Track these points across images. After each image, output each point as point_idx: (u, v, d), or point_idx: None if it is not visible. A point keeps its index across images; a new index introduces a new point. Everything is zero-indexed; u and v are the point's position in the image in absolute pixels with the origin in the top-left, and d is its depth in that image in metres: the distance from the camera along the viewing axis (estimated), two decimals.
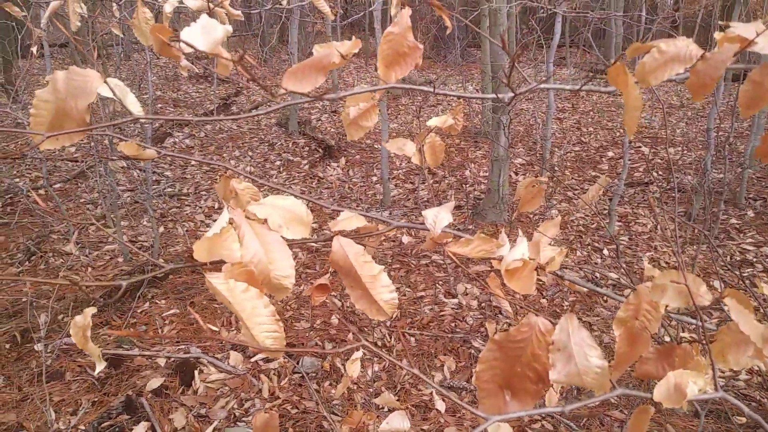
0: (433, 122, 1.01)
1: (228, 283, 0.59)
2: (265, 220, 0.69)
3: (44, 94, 0.58)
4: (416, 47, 0.68)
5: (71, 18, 1.62)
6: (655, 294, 0.60)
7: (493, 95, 0.65)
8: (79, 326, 0.62)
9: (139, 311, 3.71)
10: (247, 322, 0.59)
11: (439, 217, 0.77)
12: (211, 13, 1.51)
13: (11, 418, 2.86)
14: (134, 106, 0.90)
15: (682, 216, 5.37)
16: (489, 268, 1.04)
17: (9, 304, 3.64)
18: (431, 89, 0.72)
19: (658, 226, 5.25)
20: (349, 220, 0.75)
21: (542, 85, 0.70)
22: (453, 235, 0.79)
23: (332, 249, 0.71)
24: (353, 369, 1.23)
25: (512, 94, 0.66)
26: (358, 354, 1.24)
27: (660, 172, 6.40)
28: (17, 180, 5.86)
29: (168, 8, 1.39)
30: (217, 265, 0.64)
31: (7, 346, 3.35)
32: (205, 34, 0.67)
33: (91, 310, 0.63)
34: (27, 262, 4.31)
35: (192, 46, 0.66)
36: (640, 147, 7.19)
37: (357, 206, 5.64)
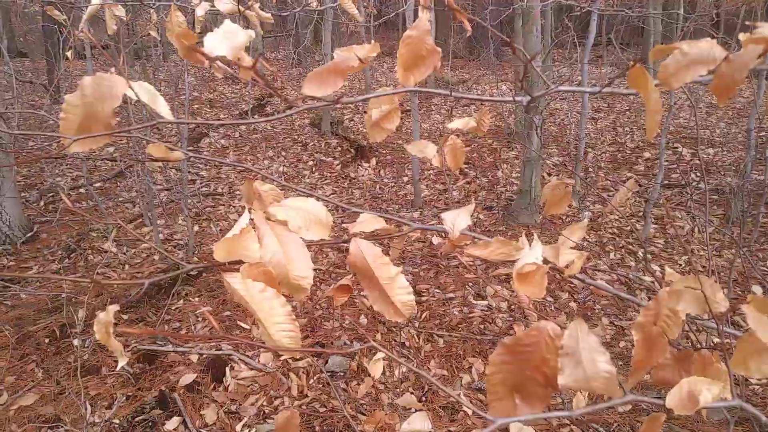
0: (455, 125, 1.01)
1: (245, 283, 0.61)
2: (285, 222, 0.70)
3: (73, 98, 0.61)
4: (434, 50, 0.68)
5: (108, 21, 1.67)
6: (671, 300, 0.59)
7: (510, 99, 0.65)
8: (102, 323, 0.64)
9: (173, 308, 3.79)
10: (264, 321, 0.60)
11: (457, 220, 0.78)
12: (243, 17, 1.54)
13: (49, 410, 2.95)
14: (163, 109, 0.93)
15: (720, 219, 5.24)
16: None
17: (49, 300, 3.76)
18: (448, 92, 0.72)
19: (695, 229, 5.13)
20: (368, 222, 0.76)
21: (561, 88, 0.70)
22: (471, 237, 0.79)
23: (350, 251, 0.72)
24: (376, 369, 1.24)
25: (528, 98, 0.66)
26: (381, 354, 1.24)
27: (698, 174, 6.24)
28: (59, 179, 6.05)
29: (200, 12, 1.42)
30: (237, 266, 0.65)
31: (47, 340, 3.46)
32: (226, 40, 0.69)
33: (114, 308, 0.65)
34: (67, 259, 4.44)
35: (210, 55, 0.68)
36: (678, 147, 7.03)
37: (388, 207, 5.65)
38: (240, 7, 1.40)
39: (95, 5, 1.60)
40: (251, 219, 0.67)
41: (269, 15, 1.57)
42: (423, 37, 0.68)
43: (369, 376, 3.21)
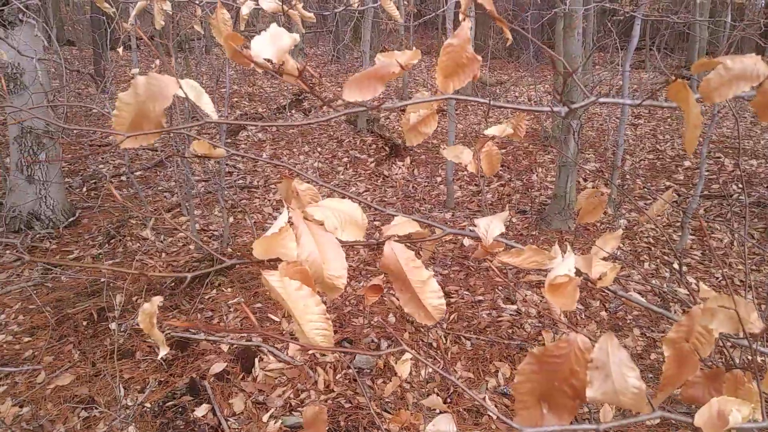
0: (491, 131, 1.02)
1: (283, 281, 0.63)
2: (322, 222, 0.72)
3: (126, 96, 0.63)
4: (474, 59, 0.69)
5: (156, 17, 1.72)
6: (704, 318, 0.59)
7: (548, 109, 0.65)
8: (146, 313, 0.67)
9: (206, 297, 3.86)
10: (299, 319, 0.62)
11: (491, 227, 0.78)
12: (286, 15, 1.56)
13: (84, 391, 3.05)
14: (208, 107, 0.95)
15: (761, 233, 5.10)
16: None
17: (88, 284, 3.87)
18: (486, 101, 0.73)
19: (734, 242, 5.00)
20: (402, 225, 0.78)
21: (601, 99, 0.69)
22: (504, 244, 0.80)
23: (384, 253, 0.74)
24: (403, 369, 1.26)
25: (566, 109, 0.66)
26: (408, 355, 1.26)
27: (740, 185, 6.08)
28: (102, 166, 6.21)
29: (245, 10, 1.45)
30: (274, 263, 0.68)
31: (84, 323, 3.57)
32: (273, 43, 0.71)
33: (158, 299, 0.68)
34: (107, 245, 4.57)
35: (257, 58, 0.70)
36: (720, 157, 6.86)
37: (420, 206, 5.66)
38: (284, 6, 1.43)
39: (145, 0, 1.64)
40: (289, 218, 0.69)
41: (311, 14, 1.60)
42: (464, 46, 0.69)
43: (396, 375, 3.23)
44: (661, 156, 7.05)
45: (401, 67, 0.66)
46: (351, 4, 1.61)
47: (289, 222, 0.68)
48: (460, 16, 0.71)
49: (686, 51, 13.61)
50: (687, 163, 6.73)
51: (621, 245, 4.85)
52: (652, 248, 4.81)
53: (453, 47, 0.70)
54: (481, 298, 3.98)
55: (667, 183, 6.20)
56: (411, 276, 0.72)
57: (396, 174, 6.57)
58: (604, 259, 0.92)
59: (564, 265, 0.74)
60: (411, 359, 3.35)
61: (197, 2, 2.19)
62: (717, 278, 4.33)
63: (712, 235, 5.08)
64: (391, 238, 0.75)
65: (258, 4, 1.42)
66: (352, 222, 0.75)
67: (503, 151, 7.05)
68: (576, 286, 0.58)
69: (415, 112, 0.90)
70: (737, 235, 5.09)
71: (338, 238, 0.72)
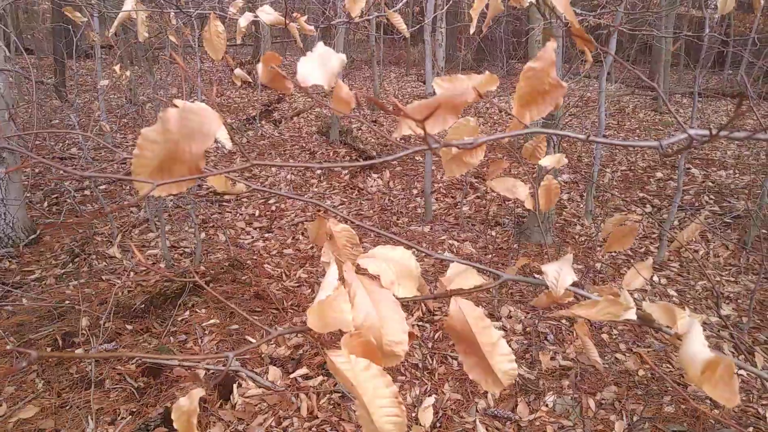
0: (546, 162, 0.92)
1: (350, 361, 0.51)
2: (377, 276, 0.61)
3: (152, 133, 0.51)
4: (558, 86, 0.59)
5: (139, 27, 1.58)
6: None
7: (656, 144, 0.56)
8: (184, 411, 0.54)
9: (179, 320, 3.68)
10: (368, 405, 0.51)
11: (561, 274, 0.68)
12: (285, 27, 1.45)
13: (50, 424, 2.84)
14: (222, 133, 0.83)
15: (735, 244, 5.15)
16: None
17: (53, 307, 3.65)
18: (584, 137, 0.63)
19: (710, 254, 5.04)
20: (465, 276, 0.67)
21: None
22: (575, 293, 0.70)
23: (450, 314, 0.63)
24: (425, 418, 1.14)
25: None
26: (431, 400, 1.15)
27: (711, 196, 6.16)
28: (63, 180, 5.94)
29: (243, 22, 1.33)
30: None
31: (49, 349, 3.35)
32: (322, 66, 0.60)
33: (199, 393, 0.55)
34: (71, 264, 4.34)
35: (304, 83, 0.58)
36: (689, 169, 6.96)
37: (398, 220, 5.56)
38: (286, 19, 1.31)
39: (127, 11, 1.50)
40: (340, 275, 0.58)
41: (311, 28, 1.48)
42: (547, 70, 0.59)
43: None
44: (633, 167, 7.12)
45: (478, 95, 0.55)
46: (353, 17, 1.50)
47: (339, 279, 0.57)
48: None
49: (649, 63, 13.90)
50: (659, 174, 6.81)
51: (600, 258, 4.84)
52: (632, 260, 4.81)
53: (534, 71, 0.60)
54: None
55: (641, 194, 6.24)
56: (480, 338, 0.62)
57: (371, 186, 6.47)
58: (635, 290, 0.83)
59: (696, 336, 0.62)
60: (397, 380, 3.23)
61: (191, 14, 2.05)
62: (697, 291, 4.34)
63: (688, 246, 5.11)
64: (456, 293, 0.64)
65: (257, 16, 1.30)
66: (408, 274, 0.64)
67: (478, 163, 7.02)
68: (732, 371, 0.48)
69: (459, 138, 0.79)
70: (712, 245, 5.13)
71: (395, 294, 0.61)
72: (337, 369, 0.52)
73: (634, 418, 2.95)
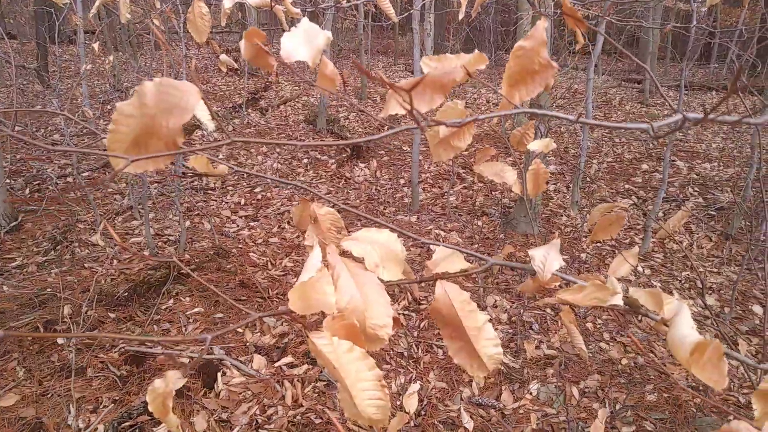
0: (535, 146, 0.90)
1: (332, 344, 0.50)
2: (360, 259, 0.60)
3: (127, 107, 0.49)
4: (549, 65, 0.58)
5: (121, 9, 1.54)
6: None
7: (647, 125, 0.55)
8: (159, 393, 0.52)
9: (163, 308, 3.65)
10: (350, 388, 0.49)
11: (548, 259, 0.67)
12: (271, 10, 1.42)
13: (30, 412, 2.81)
14: (204, 114, 0.81)
15: (719, 235, 5.20)
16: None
17: (34, 295, 3.60)
18: (573, 117, 0.62)
19: (694, 245, 5.09)
20: (451, 260, 0.66)
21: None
22: (562, 279, 0.69)
23: (436, 297, 0.61)
24: (410, 404, 1.14)
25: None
26: (415, 387, 1.14)
27: (696, 188, 6.22)
28: (46, 166, 5.85)
29: (228, 4, 1.30)
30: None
31: (30, 337, 3.30)
32: (307, 43, 0.58)
33: (175, 374, 0.54)
34: (53, 252, 4.28)
35: (288, 59, 0.56)
36: (675, 161, 7.01)
37: (385, 209, 5.55)
38: (272, 2, 1.29)
39: None
40: (323, 256, 0.56)
41: (298, 11, 1.46)
42: (537, 49, 0.57)
43: None
44: (619, 159, 7.15)
45: (467, 74, 0.54)
46: (339, 2, 1.48)
47: (323, 263, 0.55)
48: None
49: (638, 55, 13.96)
50: (645, 166, 6.85)
51: (586, 248, 4.86)
52: (616, 251, 4.83)
53: (524, 50, 0.58)
54: None
55: (627, 186, 6.28)
56: (466, 322, 0.61)
57: (358, 176, 6.44)
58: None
59: (685, 320, 0.62)
60: (381, 369, 3.23)
61: None
62: (680, 281, 4.38)
63: (673, 237, 5.14)
64: (442, 277, 0.63)
65: None
66: (392, 257, 0.62)
67: (466, 153, 7.02)
68: (720, 353, 0.47)
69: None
70: (696, 237, 5.18)
71: (379, 277, 0.59)
72: (319, 351, 0.50)
73: (617, 406, 2.98)
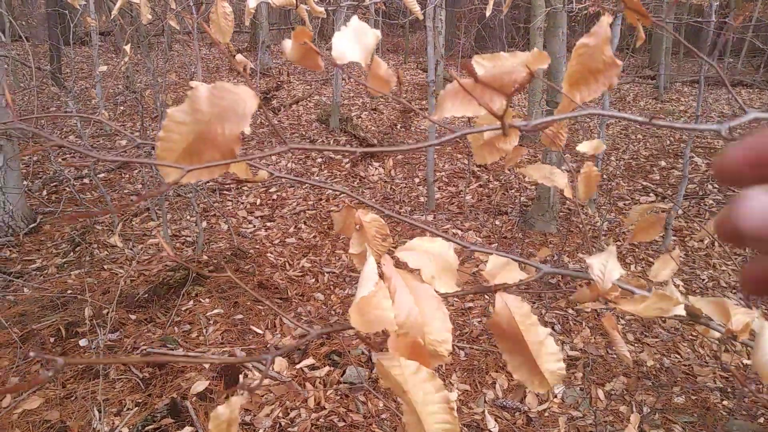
0: (584, 148, 0.87)
1: (400, 364, 0.47)
2: (415, 270, 0.57)
3: (179, 114, 0.46)
4: (613, 64, 0.55)
5: (143, 10, 1.52)
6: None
7: (715, 127, 0.51)
8: (222, 420, 0.50)
9: (183, 309, 3.64)
10: (420, 412, 0.47)
11: (608, 267, 0.64)
12: (295, 9, 1.40)
13: (55, 415, 2.81)
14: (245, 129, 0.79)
15: None
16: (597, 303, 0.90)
17: (55, 297, 3.61)
18: (646, 119, 0.59)
19: (716, 243, 5.01)
20: (509, 270, 0.63)
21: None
22: (621, 288, 0.66)
23: (495, 310, 0.59)
24: None
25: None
26: (453, 396, 1.11)
27: (715, 185, 6.13)
28: (63, 168, 5.88)
29: (252, 3, 1.28)
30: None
31: (52, 339, 3.31)
32: (358, 42, 0.55)
33: (238, 401, 0.51)
34: (72, 253, 4.29)
35: (340, 60, 0.54)
36: (692, 157, 6.92)
37: (400, 208, 5.52)
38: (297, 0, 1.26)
39: None
40: (379, 268, 0.54)
41: (322, 10, 1.43)
42: (601, 47, 0.54)
43: (389, 388, 3.08)
44: (636, 156, 7.07)
45: (530, 74, 0.51)
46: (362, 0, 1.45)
47: (380, 275, 0.53)
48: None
49: (649, 52, 13.80)
50: (663, 163, 6.76)
51: (605, 247, 4.80)
52: (636, 250, 4.77)
53: (588, 48, 0.55)
54: (471, 304, 3.86)
55: (644, 183, 6.20)
56: (528, 337, 0.58)
57: (372, 175, 6.42)
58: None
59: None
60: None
61: None
62: (703, 280, 4.31)
63: (692, 235, 5.08)
64: (502, 288, 0.60)
65: None
66: (447, 267, 0.59)
67: None
68: None
69: (491, 123, 0.75)
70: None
71: (436, 289, 0.57)
72: (387, 373, 0.48)
73: (644, 409, 2.93)
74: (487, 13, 1.35)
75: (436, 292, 0.57)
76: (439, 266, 0.59)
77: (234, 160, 0.46)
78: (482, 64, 0.59)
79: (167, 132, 0.47)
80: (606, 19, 0.55)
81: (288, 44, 0.57)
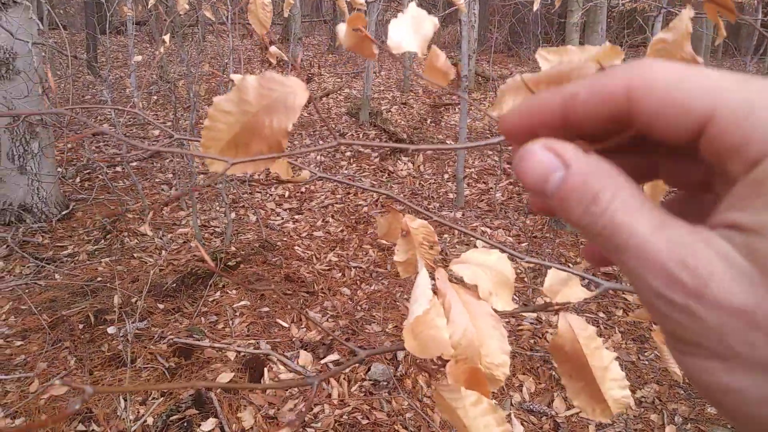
0: None
1: (461, 396, 0.43)
2: (469, 285, 0.52)
3: (225, 103, 0.42)
4: (693, 61, 0.49)
5: (180, 1, 1.50)
6: None
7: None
8: None
9: (210, 300, 3.65)
10: None
11: None
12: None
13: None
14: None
15: None
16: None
17: (85, 284, 3.64)
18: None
19: None
20: (571, 286, 0.58)
21: None
22: None
23: (558, 331, 0.54)
24: None
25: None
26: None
27: None
28: (96, 155, 5.95)
29: None
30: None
31: (81, 326, 3.34)
32: (416, 31, 0.51)
33: None
34: (103, 240, 4.34)
35: (397, 50, 0.49)
36: None
37: (429, 204, 5.46)
38: None
39: None
40: (433, 283, 0.49)
41: (363, 1, 1.39)
42: (681, 43, 0.49)
43: (414, 387, 3.04)
44: None
45: (602, 69, 0.46)
46: None
47: (434, 291, 0.48)
48: (686, 9, 0.50)
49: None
50: None
51: None
52: None
53: (665, 45, 0.50)
54: None
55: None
56: (591, 361, 0.53)
57: (401, 170, 6.37)
58: None
59: None
60: (425, 373, 3.16)
61: None
62: None
63: None
64: (565, 308, 0.55)
65: None
66: (504, 282, 0.55)
67: (510, 147, 6.86)
68: None
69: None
70: None
71: (493, 307, 0.52)
72: (447, 406, 0.43)
73: (676, 419, 2.84)
74: (535, 7, 1.29)
75: (493, 309, 0.52)
76: (495, 281, 0.54)
77: (283, 155, 0.42)
78: (547, 58, 0.54)
79: (213, 121, 0.43)
80: (687, 13, 0.49)
81: (342, 29, 0.52)
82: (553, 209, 0.30)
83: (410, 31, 0.51)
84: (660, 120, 0.26)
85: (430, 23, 0.52)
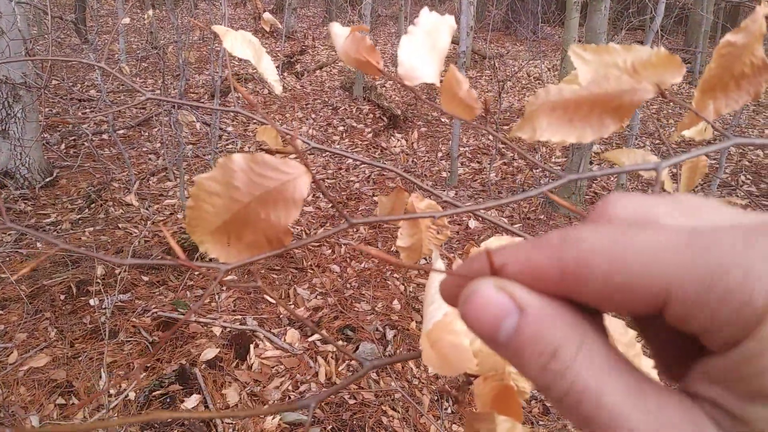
0: (690, 133, 0.73)
1: (495, 423, 0.36)
2: None
3: (209, 182, 0.36)
4: (764, 67, 0.41)
5: None
6: None
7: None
8: None
9: (196, 273, 3.57)
10: None
11: None
12: None
13: (61, 375, 2.76)
14: (271, 74, 0.67)
15: None
16: None
17: (67, 254, 3.55)
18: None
19: None
20: None
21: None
22: None
23: None
24: None
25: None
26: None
27: (749, 176, 5.91)
28: (82, 124, 5.80)
29: None
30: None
31: (62, 297, 3.26)
32: (431, 50, 0.42)
33: None
34: (87, 209, 4.23)
35: (410, 81, 0.41)
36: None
37: (422, 182, 5.38)
38: None
39: None
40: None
41: None
42: (752, 46, 0.41)
43: (404, 367, 3.00)
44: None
45: (660, 93, 0.38)
46: None
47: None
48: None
49: (684, 34, 13.34)
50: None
51: None
52: None
53: (733, 48, 0.42)
54: None
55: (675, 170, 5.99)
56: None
57: (395, 146, 6.27)
58: None
59: None
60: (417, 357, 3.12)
61: None
62: None
63: None
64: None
65: None
66: None
67: (506, 127, 6.78)
68: None
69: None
70: None
71: None
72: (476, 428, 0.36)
73: None
74: None
75: None
76: None
77: (285, 248, 0.35)
78: (583, 57, 0.45)
79: (196, 201, 0.35)
80: (762, 10, 0.41)
81: (339, 38, 0.44)
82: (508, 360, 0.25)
83: (425, 51, 0.42)
84: (605, 304, 0.23)
85: (447, 32, 0.44)
